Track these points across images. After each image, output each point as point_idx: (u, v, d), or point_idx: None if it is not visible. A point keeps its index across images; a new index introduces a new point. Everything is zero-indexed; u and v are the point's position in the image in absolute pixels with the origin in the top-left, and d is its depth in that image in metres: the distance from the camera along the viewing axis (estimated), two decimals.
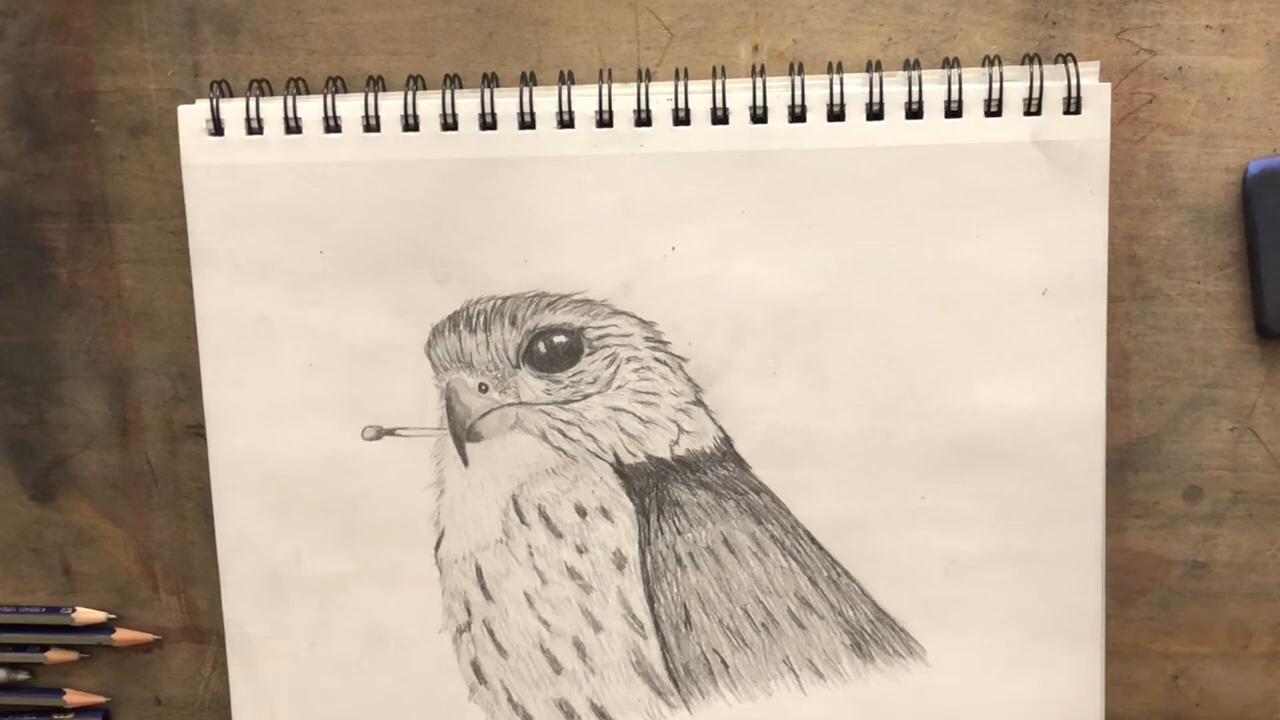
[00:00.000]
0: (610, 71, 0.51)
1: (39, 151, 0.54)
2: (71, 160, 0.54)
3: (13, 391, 0.56)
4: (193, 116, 0.52)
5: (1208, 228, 0.51)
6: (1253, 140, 0.50)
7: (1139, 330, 0.52)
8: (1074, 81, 0.48)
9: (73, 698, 0.57)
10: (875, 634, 0.52)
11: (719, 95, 0.50)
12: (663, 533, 0.52)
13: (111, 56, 0.53)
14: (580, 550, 0.53)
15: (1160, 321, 0.52)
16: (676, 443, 0.52)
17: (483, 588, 0.53)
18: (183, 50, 0.53)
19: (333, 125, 0.51)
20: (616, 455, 0.52)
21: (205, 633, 0.57)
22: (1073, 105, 0.49)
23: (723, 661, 0.53)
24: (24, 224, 0.55)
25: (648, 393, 0.52)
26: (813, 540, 0.52)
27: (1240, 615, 0.54)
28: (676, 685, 0.53)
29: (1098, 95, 0.49)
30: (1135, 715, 0.54)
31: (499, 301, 0.52)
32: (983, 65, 0.49)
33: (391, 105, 0.51)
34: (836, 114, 0.50)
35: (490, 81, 0.51)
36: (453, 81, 0.51)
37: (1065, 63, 0.49)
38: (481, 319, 0.52)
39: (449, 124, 0.51)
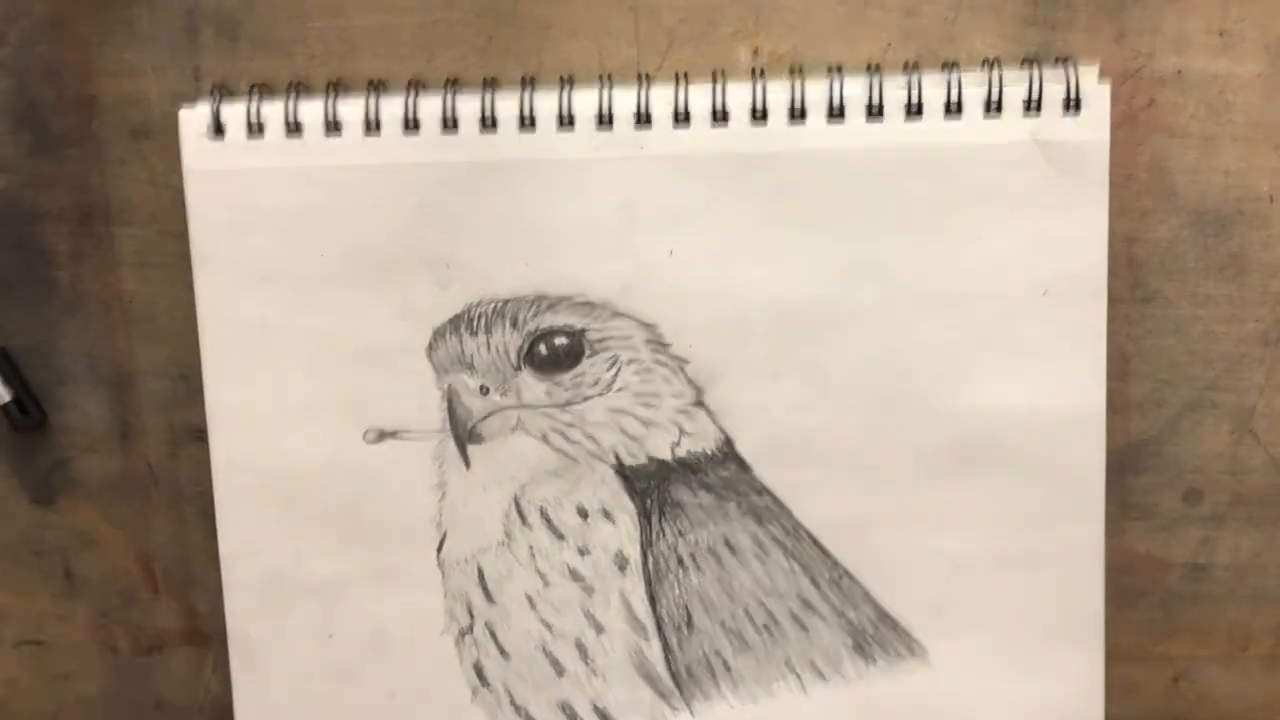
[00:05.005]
0: (610, 75, 0.51)
1: (40, 155, 0.54)
2: (72, 164, 0.54)
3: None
4: (194, 119, 0.52)
5: (1207, 230, 0.51)
6: (1252, 143, 0.51)
7: (1138, 333, 0.52)
8: (1073, 81, 0.49)
9: None
10: (877, 635, 0.52)
11: (719, 95, 0.50)
12: (664, 534, 0.52)
13: (112, 60, 0.53)
14: (582, 552, 0.53)
15: (1160, 324, 0.52)
16: (678, 444, 0.52)
17: (485, 590, 0.53)
18: (183, 54, 0.53)
19: (333, 127, 0.51)
20: (618, 457, 0.52)
21: (206, 636, 0.56)
22: (1072, 105, 0.49)
23: (725, 663, 0.53)
24: (25, 227, 0.55)
25: (649, 394, 0.52)
26: (814, 541, 0.52)
27: (1240, 618, 0.54)
28: (679, 687, 0.53)
29: (1097, 95, 0.49)
30: (1136, 717, 0.54)
31: (500, 304, 0.52)
32: (982, 68, 0.49)
33: (392, 106, 0.51)
34: (836, 113, 0.50)
35: (490, 85, 0.51)
36: (453, 85, 0.51)
37: (1064, 65, 0.49)
38: (482, 321, 0.52)
39: (449, 125, 0.51)
